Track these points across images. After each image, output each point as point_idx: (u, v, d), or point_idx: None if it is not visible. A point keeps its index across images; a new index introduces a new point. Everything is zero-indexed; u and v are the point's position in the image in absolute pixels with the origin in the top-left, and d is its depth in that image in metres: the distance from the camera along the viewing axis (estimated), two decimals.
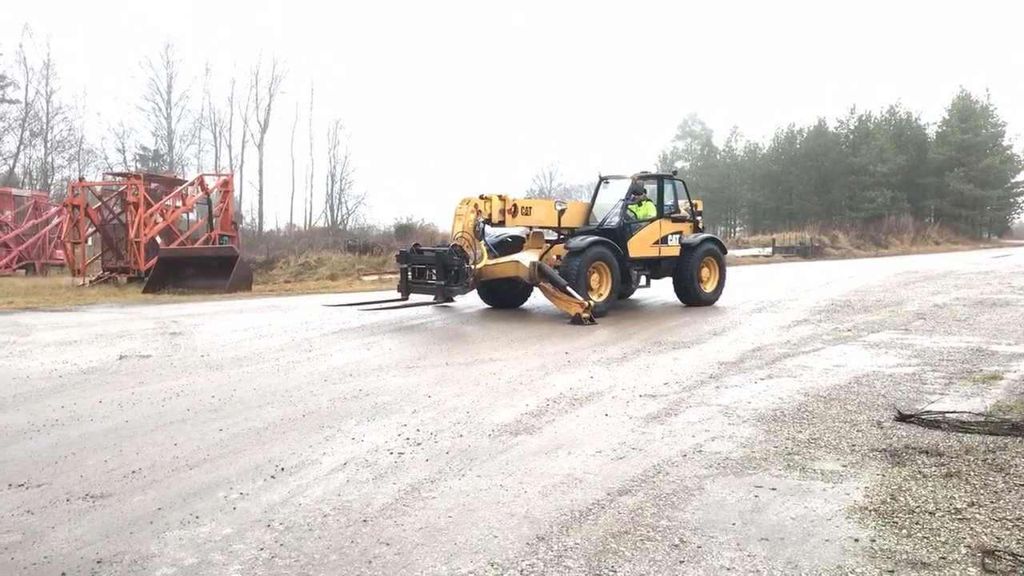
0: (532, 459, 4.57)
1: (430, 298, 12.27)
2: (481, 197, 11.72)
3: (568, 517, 3.64)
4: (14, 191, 31.76)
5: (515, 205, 11.98)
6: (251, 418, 5.57)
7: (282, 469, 4.38)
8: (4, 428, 5.36)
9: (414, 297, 12.08)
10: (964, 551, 3.23)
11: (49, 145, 48.11)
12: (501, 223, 11.95)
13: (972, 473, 4.19)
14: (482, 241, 11.85)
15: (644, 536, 3.41)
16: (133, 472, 4.35)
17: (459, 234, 11.45)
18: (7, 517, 3.69)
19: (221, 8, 77.16)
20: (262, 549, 3.30)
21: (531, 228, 12.80)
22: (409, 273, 11.73)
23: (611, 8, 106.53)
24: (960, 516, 3.60)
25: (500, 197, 11.83)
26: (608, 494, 3.95)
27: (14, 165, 47.01)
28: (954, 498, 3.83)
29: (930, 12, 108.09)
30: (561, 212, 12.36)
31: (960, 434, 4.96)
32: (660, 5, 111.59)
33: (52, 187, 45.42)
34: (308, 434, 5.14)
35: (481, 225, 11.65)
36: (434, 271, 11.37)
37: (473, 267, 11.38)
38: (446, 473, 4.31)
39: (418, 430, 5.22)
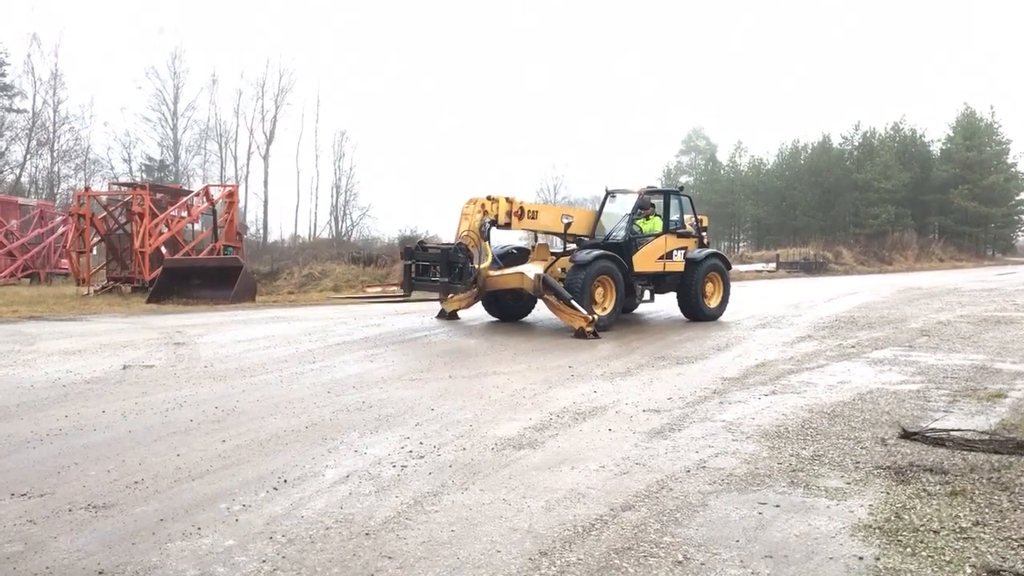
0: (535, 473, 4.56)
1: (433, 295, 12.32)
2: (488, 198, 11.75)
3: (571, 532, 3.63)
4: (20, 200, 31.88)
5: (522, 208, 12.03)
6: (254, 429, 5.57)
7: (285, 481, 4.38)
8: (7, 437, 5.36)
9: (417, 295, 12.13)
10: (969, 571, 3.21)
11: (55, 155, 48.38)
12: (507, 225, 11.98)
13: (977, 492, 4.17)
14: (487, 242, 11.84)
15: (647, 552, 3.40)
16: (136, 482, 4.34)
17: (465, 232, 11.46)
18: (10, 526, 3.68)
19: (228, 20, 77.71)
20: (264, 561, 3.29)
21: (536, 233, 12.87)
22: (413, 270, 11.78)
23: (616, 23, 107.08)
24: (965, 535, 3.58)
25: (507, 199, 11.88)
26: (611, 509, 3.93)
27: (20, 174, 47.27)
28: (959, 517, 3.81)
29: (935, 29, 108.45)
30: (567, 225, 12.42)
31: (965, 452, 4.94)
32: (664, 20, 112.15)
33: (58, 196, 45.59)
34: (311, 446, 5.13)
35: (487, 226, 11.65)
36: (438, 268, 11.40)
37: (477, 267, 11.40)
38: (449, 487, 4.30)
39: (421, 443, 5.21)
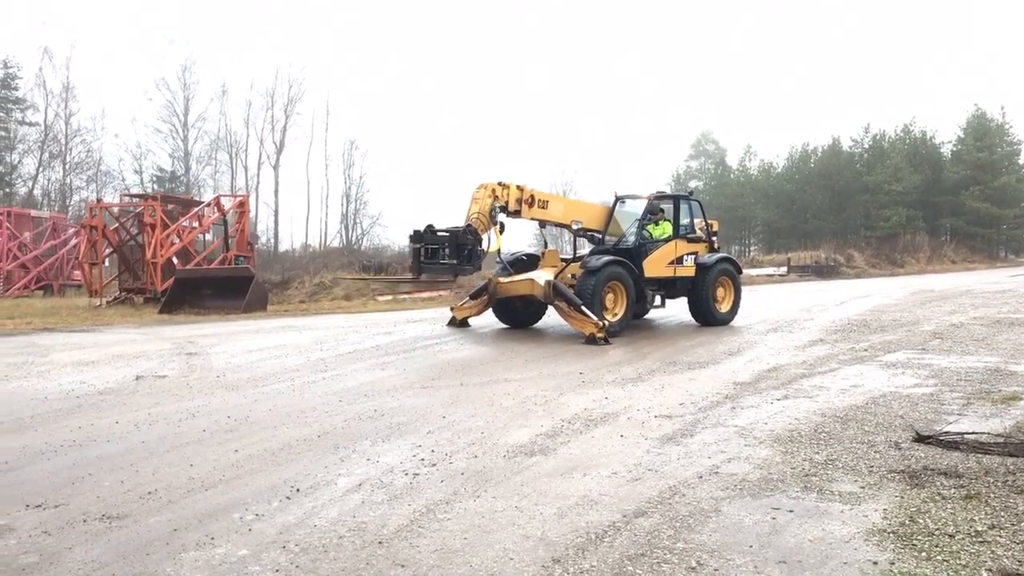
0: (547, 480, 4.55)
1: (441, 278, 12.31)
2: (500, 183, 11.75)
3: (584, 539, 3.62)
4: (33, 212, 32.17)
5: (532, 196, 12.03)
6: (266, 439, 5.58)
7: (297, 490, 4.39)
8: (22, 449, 5.40)
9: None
10: (985, 575, 3.18)
11: (67, 167, 48.85)
12: (517, 212, 11.96)
13: (992, 495, 4.14)
14: (496, 227, 11.80)
15: (660, 559, 3.39)
16: (149, 493, 4.36)
17: (474, 215, 11.44)
18: (25, 538, 3.71)
19: (238, 31, 78.26)
20: (278, 571, 3.30)
21: (545, 237, 12.95)
22: (422, 253, 11.75)
23: (622, 27, 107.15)
24: (980, 539, 3.55)
25: (519, 186, 11.90)
26: (624, 516, 3.93)
27: (33, 187, 47.75)
28: (974, 520, 3.78)
29: (944, 30, 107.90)
30: (578, 230, 12.46)
31: (979, 455, 4.90)
32: (673, 25, 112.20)
33: (70, 208, 46.03)
34: (323, 455, 5.14)
35: (496, 211, 11.63)
36: (447, 251, 11.38)
37: (486, 251, 11.41)
38: (461, 494, 4.30)
39: (433, 451, 5.22)
